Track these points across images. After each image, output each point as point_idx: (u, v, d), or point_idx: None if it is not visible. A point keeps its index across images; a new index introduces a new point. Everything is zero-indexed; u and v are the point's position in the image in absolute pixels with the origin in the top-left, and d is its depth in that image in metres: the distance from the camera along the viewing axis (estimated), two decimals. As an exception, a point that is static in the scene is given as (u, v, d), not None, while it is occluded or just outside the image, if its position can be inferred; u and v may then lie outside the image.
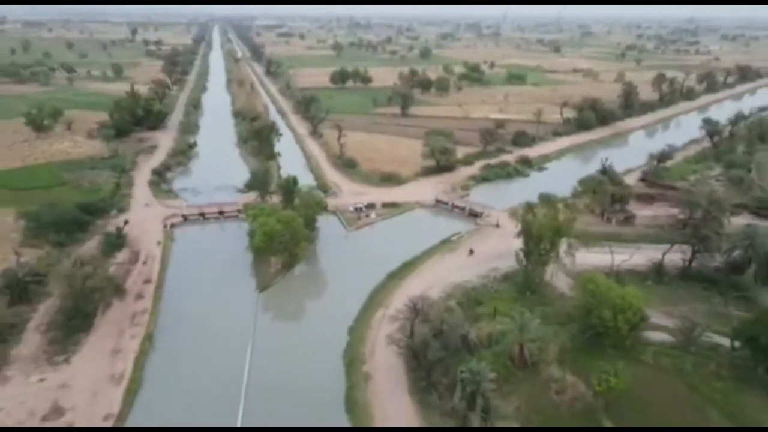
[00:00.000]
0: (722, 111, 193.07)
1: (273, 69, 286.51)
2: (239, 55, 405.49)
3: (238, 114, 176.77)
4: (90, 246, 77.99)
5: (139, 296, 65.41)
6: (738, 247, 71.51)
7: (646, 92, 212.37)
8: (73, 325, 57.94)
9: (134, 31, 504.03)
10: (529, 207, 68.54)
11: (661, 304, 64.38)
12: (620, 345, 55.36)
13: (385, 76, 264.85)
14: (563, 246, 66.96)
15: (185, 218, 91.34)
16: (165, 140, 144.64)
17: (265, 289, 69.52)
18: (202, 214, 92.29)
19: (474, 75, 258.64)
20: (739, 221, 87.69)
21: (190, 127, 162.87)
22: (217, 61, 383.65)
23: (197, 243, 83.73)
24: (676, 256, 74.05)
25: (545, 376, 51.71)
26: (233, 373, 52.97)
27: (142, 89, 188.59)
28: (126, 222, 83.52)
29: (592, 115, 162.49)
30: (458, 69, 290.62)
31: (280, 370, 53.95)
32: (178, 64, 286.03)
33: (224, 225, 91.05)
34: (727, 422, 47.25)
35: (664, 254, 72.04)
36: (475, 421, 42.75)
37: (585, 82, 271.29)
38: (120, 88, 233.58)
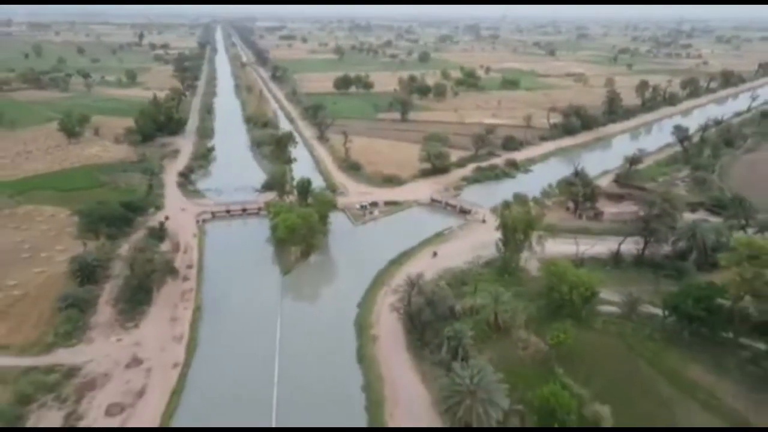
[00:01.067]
0: (704, 115, 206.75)
1: (278, 74, 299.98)
2: (244, 59, 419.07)
3: (249, 120, 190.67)
4: (136, 238, 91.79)
5: (185, 278, 79.34)
6: (682, 239, 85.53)
7: (633, 97, 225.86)
8: (137, 299, 71.88)
9: (141, 36, 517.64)
10: (507, 204, 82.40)
11: (615, 285, 77.97)
12: (576, 315, 69.03)
13: (385, 81, 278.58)
14: (534, 237, 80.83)
15: (213, 215, 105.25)
16: (185, 145, 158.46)
17: (288, 273, 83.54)
18: (228, 212, 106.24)
19: (470, 80, 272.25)
20: (697, 217, 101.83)
21: (206, 132, 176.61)
22: (222, 64, 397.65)
23: (226, 236, 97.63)
24: (633, 246, 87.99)
25: (514, 338, 65.57)
26: (267, 337, 66.81)
27: (159, 94, 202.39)
28: (167, 218, 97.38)
29: (576, 121, 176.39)
30: (455, 73, 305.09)
31: (304, 334, 67.81)
32: (188, 69, 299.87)
33: (247, 221, 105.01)
34: (651, 371, 61.06)
35: (620, 244, 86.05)
36: (457, 368, 56.37)
37: (576, 86, 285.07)
38: (135, 94, 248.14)
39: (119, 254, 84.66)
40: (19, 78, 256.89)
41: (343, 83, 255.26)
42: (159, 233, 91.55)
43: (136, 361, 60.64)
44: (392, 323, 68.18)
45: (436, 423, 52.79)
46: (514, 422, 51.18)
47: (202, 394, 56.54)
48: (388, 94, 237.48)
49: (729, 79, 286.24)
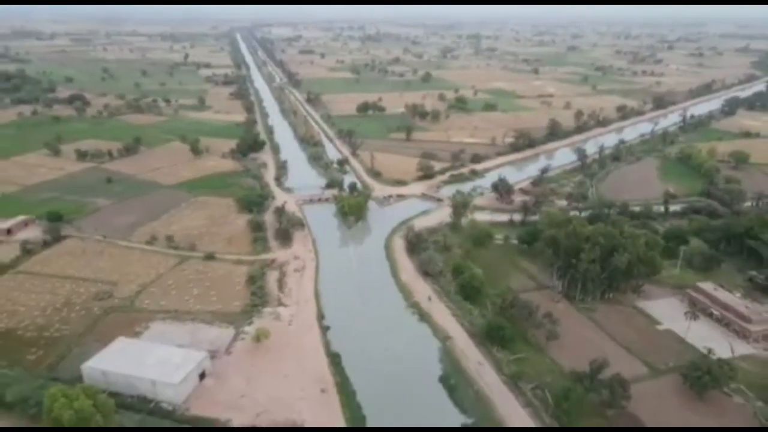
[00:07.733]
0: (634, 132, 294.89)
1: (312, 98, 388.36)
2: (278, 80, 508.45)
3: (302, 140, 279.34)
4: (269, 213, 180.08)
5: (303, 229, 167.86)
6: (543, 213, 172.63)
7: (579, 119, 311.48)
8: (286, 236, 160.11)
9: (186, 56, 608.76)
10: (454, 196, 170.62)
11: (505, 232, 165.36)
12: (482, 244, 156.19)
13: (394, 102, 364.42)
14: (469, 209, 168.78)
15: (304, 202, 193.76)
16: (268, 159, 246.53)
17: (350, 228, 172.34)
18: (311, 200, 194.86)
19: (459, 105, 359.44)
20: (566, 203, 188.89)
21: (276, 149, 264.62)
22: (261, 85, 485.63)
23: (314, 211, 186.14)
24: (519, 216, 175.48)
25: (452, 251, 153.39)
26: (346, 250, 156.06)
27: (238, 119, 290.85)
28: (285, 203, 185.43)
29: (524, 141, 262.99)
30: (451, 94, 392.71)
31: (362, 249, 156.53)
32: (242, 95, 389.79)
33: (322, 205, 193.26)
34: (507, 263, 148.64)
35: (511, 215, 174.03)
36: (425, 258, 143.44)
37: (541, 108, 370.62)
38: (209, 117, 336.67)
39: (265, 220, 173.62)
40: (124, 105, 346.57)
41: (363, 108, 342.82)
42: (282, 210, 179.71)
43: (296, 258, 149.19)
44: (401, 245, 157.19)
45: (416, 274, 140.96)
46: (446, 272, 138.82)
47: (327, 267, 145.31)
48: (397, 117, 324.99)
49: (659, 104, 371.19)
